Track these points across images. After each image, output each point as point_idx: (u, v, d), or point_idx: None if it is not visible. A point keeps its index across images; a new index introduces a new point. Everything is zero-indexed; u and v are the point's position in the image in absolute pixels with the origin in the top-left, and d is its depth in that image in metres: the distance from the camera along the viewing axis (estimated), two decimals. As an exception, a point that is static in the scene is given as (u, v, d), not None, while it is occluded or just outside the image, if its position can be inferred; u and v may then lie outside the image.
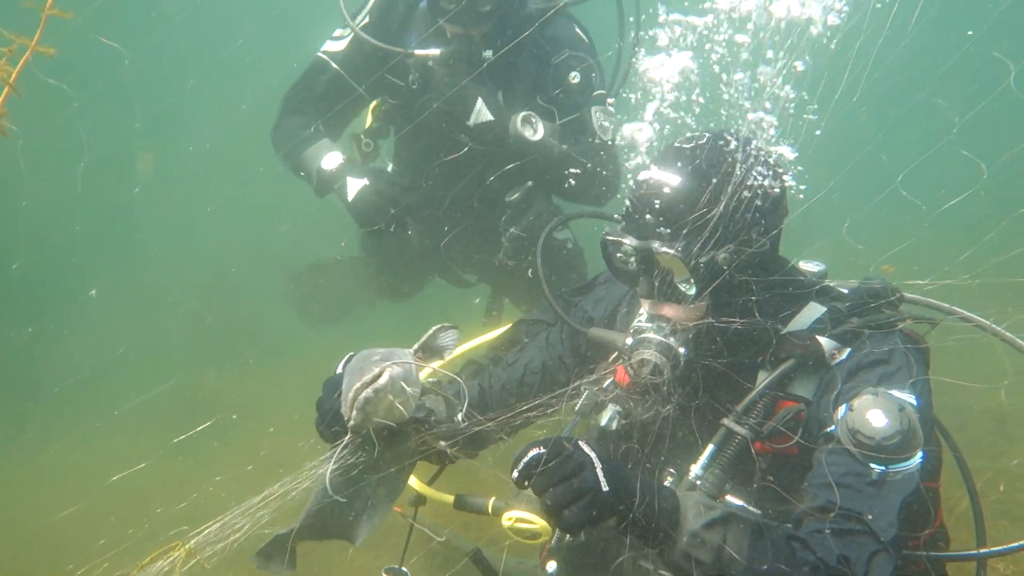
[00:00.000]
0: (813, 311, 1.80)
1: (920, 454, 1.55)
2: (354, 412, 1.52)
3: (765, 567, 1.44)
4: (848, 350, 1.72)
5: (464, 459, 1.99)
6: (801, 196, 1.80)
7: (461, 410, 1.81)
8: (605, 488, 1.39)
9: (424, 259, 3.76)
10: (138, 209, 9.22)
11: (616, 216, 1.85)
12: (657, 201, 1.66)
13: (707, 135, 1.72)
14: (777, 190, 1.72)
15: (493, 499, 1.95)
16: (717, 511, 1.49)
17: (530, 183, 3.38)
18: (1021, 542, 1.70)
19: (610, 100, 3.37)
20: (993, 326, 1.81)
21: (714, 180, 1.62)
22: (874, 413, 1.55)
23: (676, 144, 1.73)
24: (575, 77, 3.15)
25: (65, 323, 7.52)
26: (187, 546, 1.52)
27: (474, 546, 2.19)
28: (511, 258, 3.52)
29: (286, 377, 5.86)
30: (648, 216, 1.67)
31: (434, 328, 1.72)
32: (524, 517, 1.76)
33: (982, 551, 1.79)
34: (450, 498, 2.09)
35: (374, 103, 3.51)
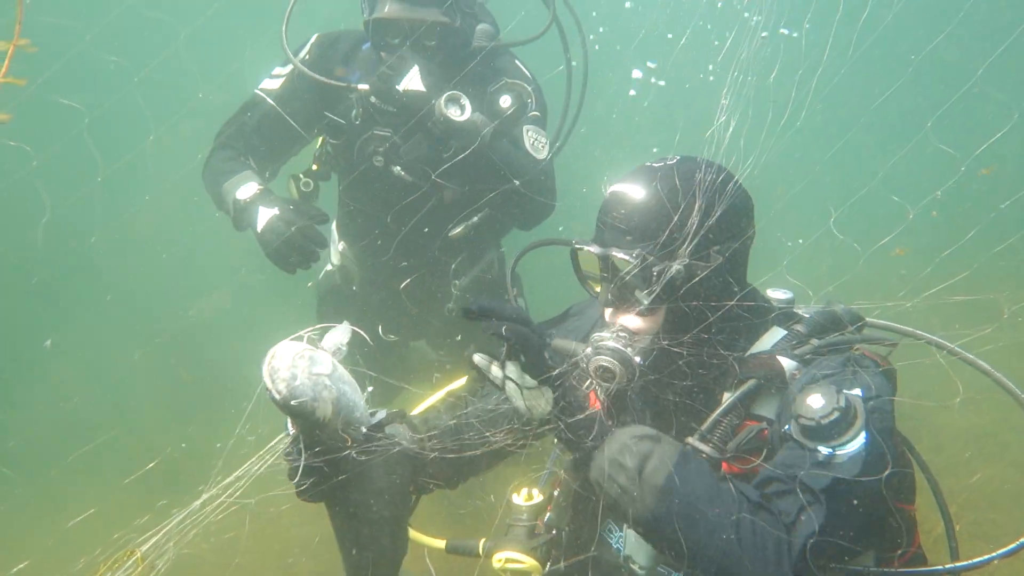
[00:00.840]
0: (775, 334, 1.84)
1: (864, 435, 1.55)
2: (271, 381, 1.46)
3: (687, 483, 1.46)
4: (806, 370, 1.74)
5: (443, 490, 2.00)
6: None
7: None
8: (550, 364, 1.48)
9: (368, 312, 3.64)
10: (96, 260, 9.12)
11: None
12: (620, 211, 1.72)
13: (678, 157, 1.78)
14: (743, 213, 1.77)
15: (483, 540, 1.98)
16: (649, 430, 1.54)
17: (475, 219, 3.31)
18: (988, 556, 1.69)
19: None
20: (956, 348, 1.85)
21: (678, 195, 1.68)
22: (813, 397, 1.59)
23: (647, 164, 1.80)
24: (506, 100, 3.09)
25: (24, 374, 7.36)
26: (138, 554, 1.50)
27: None
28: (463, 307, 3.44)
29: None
30: (611, 225, 1.74)
31: (327, 335, 1.71)
32: (514, 557, 1.82)
33: (947, 566, 1.77)
34: (441, 543, 2.09)
35: (317, 146, 3.44)
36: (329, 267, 3.84)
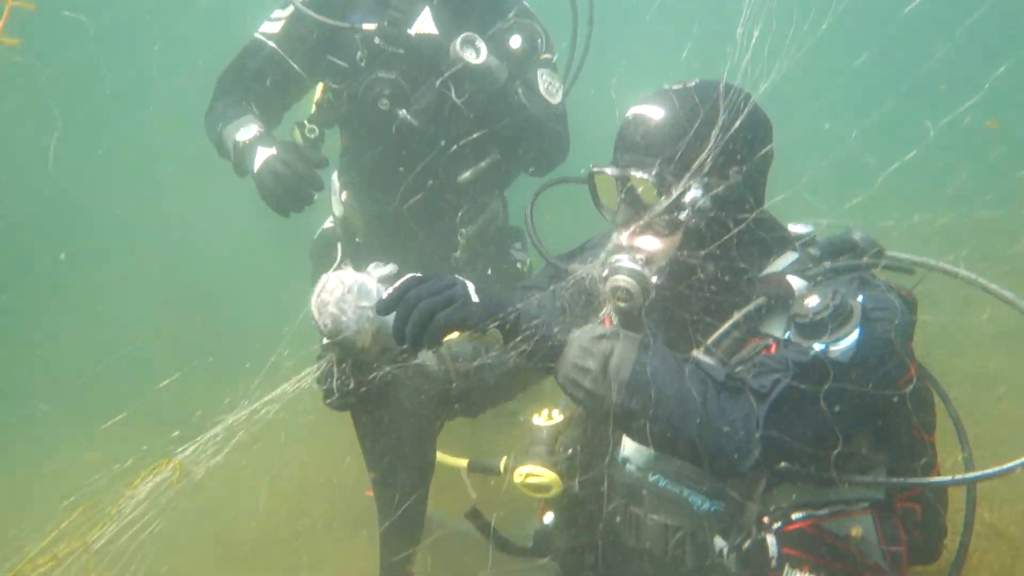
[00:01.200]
0: (789, 256, 1.84)
1: (858, 331, 1.54)
2: (318, 314, 1.57)
3: (653, 374, 1.47)
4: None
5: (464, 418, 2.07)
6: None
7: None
8: (475, 299, 1.47)
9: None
10: (102, 196, 9.16)
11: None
12: (638, 132, 1.71)
13: (698, 79, 1.76)
14: (760, 132, 1.75)
15: (504, 458, 2.06)
16: (608, 329, 1.54)
17: (483, 163, 3.24)
18: (1011, 464, 1.61)
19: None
20: (979, 280, 1.80)
21: (697, 114, 1.65)
22: (810, 298, 1.59)
23: (665, 87, 1.77)
24: (516, 40, 3.01)
25: (38, 294, 7.42)
26: (176, 461, 1.60)
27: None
28: (468, 256, 3.40)
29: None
30: (629, 145, 1.73)
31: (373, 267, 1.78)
32: (535, 472, 1.89)
33: (958, 476, 1.71)
34: (463, 462, 2.18)
35: (318, 95, 3.35)
36: (328, 223, 3.73)
